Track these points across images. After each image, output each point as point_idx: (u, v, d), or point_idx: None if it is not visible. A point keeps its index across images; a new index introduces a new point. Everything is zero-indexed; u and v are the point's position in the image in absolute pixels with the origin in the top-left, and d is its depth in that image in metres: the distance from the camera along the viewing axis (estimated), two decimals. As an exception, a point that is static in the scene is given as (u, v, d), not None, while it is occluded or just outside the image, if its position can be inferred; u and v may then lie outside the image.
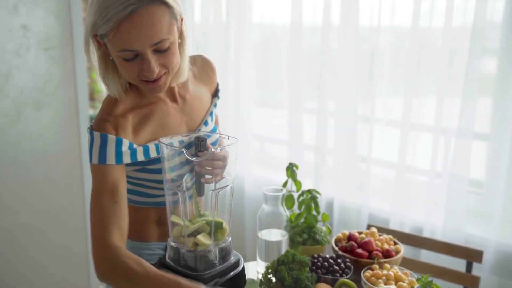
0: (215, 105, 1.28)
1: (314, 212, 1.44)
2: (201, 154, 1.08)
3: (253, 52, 2.41)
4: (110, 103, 1.09)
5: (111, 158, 1.03)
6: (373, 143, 2.05)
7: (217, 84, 1.32)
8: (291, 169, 1.40)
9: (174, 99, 1.17)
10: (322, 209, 2.22)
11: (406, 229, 1.95)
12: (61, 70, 2.30)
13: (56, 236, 2.46)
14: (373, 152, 2.06)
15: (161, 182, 1.13)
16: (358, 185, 2.15)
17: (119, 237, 1.00)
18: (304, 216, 1.43)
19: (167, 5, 0.98)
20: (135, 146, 1.07)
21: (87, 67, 2.46)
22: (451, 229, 1.85)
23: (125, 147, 1.04)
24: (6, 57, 2.15)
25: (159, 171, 1.11)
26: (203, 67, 1.27)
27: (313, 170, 2.25)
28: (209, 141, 1.15)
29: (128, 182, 1.14)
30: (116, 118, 1.06)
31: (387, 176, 2.11)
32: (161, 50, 1.00)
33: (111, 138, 1.03)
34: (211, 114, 1.25)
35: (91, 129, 1.05)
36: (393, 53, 2.01)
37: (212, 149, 1.04)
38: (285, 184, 1.41)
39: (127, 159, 1.05)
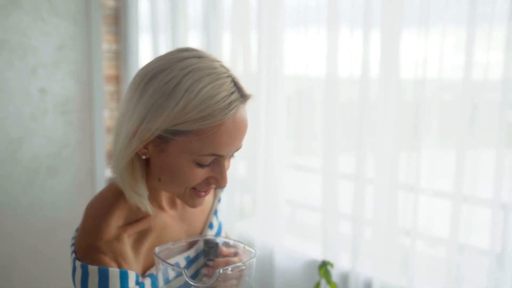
0: (219, 200, 1.06)
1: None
2: (212, 263, 0.88)
3: (286, 105, 2.23)
4: (97, 220, 0.84)
5: None
6: (418, 214, 1.78)
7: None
8: (324, 269, 1.15)
9: (172, 205, 0.95)
10: (360, 289, 1.94)
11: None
12: (78, 134, 2.20)
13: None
14: (418, 225, 1.78)
15: None
16: (402, 263, 1.87)
17: None
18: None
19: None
20: (141, 279, 0.83)
21: (105, 129, 2.34)
22: (519, 327, 1.53)
23: (132, 283, 0.80)
24: (21, 122, 2.07)
25: None
26: None
27: (350, 242, 1.99)
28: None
29: None
30: (110, 244, 0.81)
31: (436, 255, 1.82)
32: (232, 155, 0.84)
33: (114, 272, 0.78)
34: (215, 213, 1.03)
35: (81, 261, 0.80)
36: (441, 109, 1.78)
37: (221, 271, 0.79)
38: (317, 287, 1.16)
39: None
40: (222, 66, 0.80)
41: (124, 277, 0.79)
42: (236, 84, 0.80)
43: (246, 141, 2.39)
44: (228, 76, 0.79)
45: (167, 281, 0.83)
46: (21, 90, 2.07)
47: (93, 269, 0.78)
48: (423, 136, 1.77)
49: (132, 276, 0.81)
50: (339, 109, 2.00)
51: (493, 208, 1.59)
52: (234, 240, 0.94)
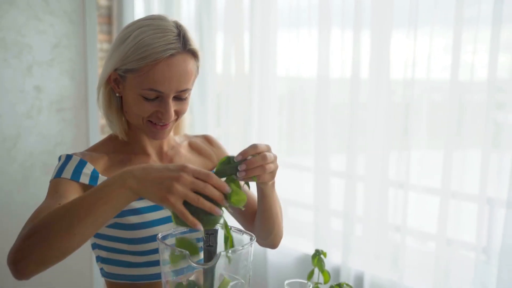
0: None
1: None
2: (210, 249, 0.91)
3: (278, 106, 2.28)
4: (93, 146, 1.09)
5: (67, 173, 0.97)
6: (408, 210, 1.83)
7: None
8: (318, 258, 1.18)
9: (160, 157, 1.11)
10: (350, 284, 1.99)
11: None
12: (73, 132, 2.21)
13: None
14: (408, 221, 1.84)
15: (138, 242, 1.01)
16: (392, 258, 1.92)
17: None
18: (334, 315, 1.21)
19: (197, 59, 1.02)
20: (100, 175, 1.00)
21: (102, 125, 2.36)
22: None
23: (87, 170, 0.99)
24: (16, 119, 2.08)
25: (134, 227, 1.00)
26: (203, 141, 1.23)
27: (341, 239, 2.04)
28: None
29: (101, 248, 1.06)
30: (90, 152, 1.04)
31: (425, 250, 1.87)
32: (180, 98, 1.01)
33: (75, 158, 1.00)
34: None
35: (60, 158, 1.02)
36: (430, 108, 1.83)
37: (222, 253, 0.84)
38: (310, 276, 1.20)
39: (85, 179, 0.98)
40: (177, 27, 0.99)
41: (82, 163, 0.99)
42: (182, 39, 0.98)
43: (238, 139, 2.43)
44: (175, 33, 0.98)
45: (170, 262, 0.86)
46: (17, 88, 2.09)
47: (63, 156, 1.01)
48: (412, 136, 1.82)
49: (89, 167, 0.99)
50: (330, 109, 2.04)
51: (479, 203, 1.65)
52: (232, 227, 0.98)
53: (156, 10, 2.57)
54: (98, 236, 1.06)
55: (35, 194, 2.16)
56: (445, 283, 1.73)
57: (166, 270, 0.88)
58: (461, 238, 1.74)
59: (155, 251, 1.03)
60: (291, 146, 2.37)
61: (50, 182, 0.99)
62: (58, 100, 2.19)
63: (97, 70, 2.32)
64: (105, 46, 2.65)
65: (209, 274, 0.89)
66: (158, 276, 1.05)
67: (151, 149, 1.10)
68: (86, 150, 1.07)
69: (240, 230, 0.96)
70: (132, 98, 1.00)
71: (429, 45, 1.77)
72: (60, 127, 2.19)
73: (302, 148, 2.30)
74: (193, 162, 1.15)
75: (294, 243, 2.23)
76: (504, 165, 1.60)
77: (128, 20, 2.60)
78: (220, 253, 0.84)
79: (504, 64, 1.62)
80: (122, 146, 1.09)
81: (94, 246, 1.10)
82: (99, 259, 1.08)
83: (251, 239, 0.90)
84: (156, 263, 1.04)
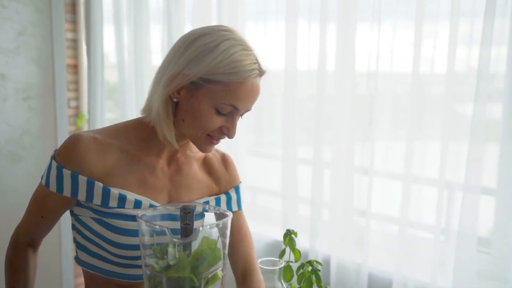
0: (217, 200, 1.16)
1: (315, 287, 1.27)
2: (187, 227, 0.94)
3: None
4: (111, 127, 1.07)
5: (53, 186, 1.01)
6: (372, 195, 1.92)
7: (236, 192, 1.21)
8: (289, 237, 1.24)
9: (169, 162, 1.10)
10: (319, 268, 2.06)
11: (411, 292, 1.79)
12: (40, 120, 2.18)
13: None
14: (372, 205, 1.93)
15: (120, 247, 1.00)
16: (357, 241, 2.00)
17: (29, 241, 1.12)
18: (305, 291, 1.26)
19: None
20: (96, 182, 1.00)
21: (68, 116, 2.33)
22: (461, 293, 1.69)
23: (81, 182, 1.00)
24: (-19, 107, 2.03)
25: (119, 232, 0.99)
26: (219, 161, 1.21)
27: (309, 224, 2.11)
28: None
29: (83, 236, 1.05)
30: (95, 137, 1.02)
31: (389, 232, 1.97)
32: (240, 115, 1.05)
33: (66, 172, 0.99)
34: (206, 202, 1.13)
35: (54, 156, 1.02)
36: (393, 100, 1.92)
37: (201, 228, 0.88)
38: (282, 254, 1.25)
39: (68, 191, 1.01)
40: (249, 44, 1.03)
41: (74, 177, 1.00)
42: (257, 59, 1.01)
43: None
44: (253, 51, 1.01)
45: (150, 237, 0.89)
46: (-20, 76, 2.04)
47: (54, 164, 1.01)
48: (376, 126, 1.89)
49: (82, 179, 1.00)
50: (297, 101, 2.10)
51: (439, 187, 1.75)
52: (210, 206, 1.04)
53: (125, 1, 2.55)
54: (79, 221, 1.05)
55: (1, 184, 2.12)
56: (406, 262, 1.82)
57: (147, 255, 0.90)
58: (422, 221, 1.84)
59: (137, 258, 1.02)
60: (259, 137, 2.42)
61: (39, 185, 1.04)
62: (24, 88, 2.15)
63: (65, 58, 2.29)
64: (70, 35, 2.61)
65: (187, 249, 0.92)
66: (138, 277, 1.05)
67: (166, 152, 1.09)
68: (97, 131, 1.05)
69: (216, 208, 1.00)
70: (203, 108, 0.98)
71: (392, 39, 1.85)
72: (27, 116, 2.16)
73: (270, 139, 2.35)
74: (200, 179, 1.14)
75: (264, 229, 2.29)
76: (461, 153, 1.70)
77: (96, 9, 2.57)
78: (198, 228, 0.88)
79: (462, 57, 1.72)
80: (139, 140, 1.06)
81: (73, 227, 1.08)
82: (75, 242, 1.08)
83: (228, 215, 0.94)
84: (137, 266, 1.03)
